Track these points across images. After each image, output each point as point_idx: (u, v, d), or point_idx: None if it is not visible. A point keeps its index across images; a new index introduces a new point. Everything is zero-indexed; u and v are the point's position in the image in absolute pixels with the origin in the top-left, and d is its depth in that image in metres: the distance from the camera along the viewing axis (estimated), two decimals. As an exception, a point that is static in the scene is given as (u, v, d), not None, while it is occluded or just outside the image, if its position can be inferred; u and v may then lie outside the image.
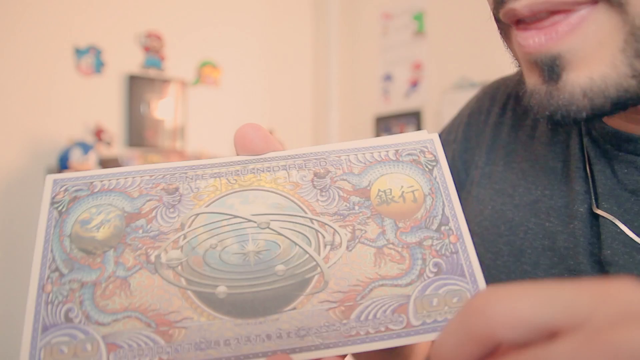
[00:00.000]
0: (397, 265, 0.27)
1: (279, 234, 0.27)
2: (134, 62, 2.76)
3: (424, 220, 0.28)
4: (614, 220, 0.36)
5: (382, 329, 0.25)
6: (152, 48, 2.80)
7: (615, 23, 0.29)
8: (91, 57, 2.69)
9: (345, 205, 0.28)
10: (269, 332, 0.25)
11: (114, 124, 2.76)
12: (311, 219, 0.28)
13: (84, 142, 2.56)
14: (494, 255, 0.43)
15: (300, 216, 0.28)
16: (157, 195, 0.28)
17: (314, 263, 0.27)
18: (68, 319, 0.26)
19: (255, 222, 0.27)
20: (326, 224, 0.28)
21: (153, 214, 0.28)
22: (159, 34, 2.86)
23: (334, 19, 3.37)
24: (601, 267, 0.36)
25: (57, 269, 0.27)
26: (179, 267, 0.27)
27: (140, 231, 0.28)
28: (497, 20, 0.35)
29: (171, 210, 0.28)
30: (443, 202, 0.28)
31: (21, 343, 0.26)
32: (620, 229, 0.36)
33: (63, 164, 2.49)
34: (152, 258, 0.27)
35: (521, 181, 0.44)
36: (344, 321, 0.25)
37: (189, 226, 0.27)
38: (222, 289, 0.26)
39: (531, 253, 0.40)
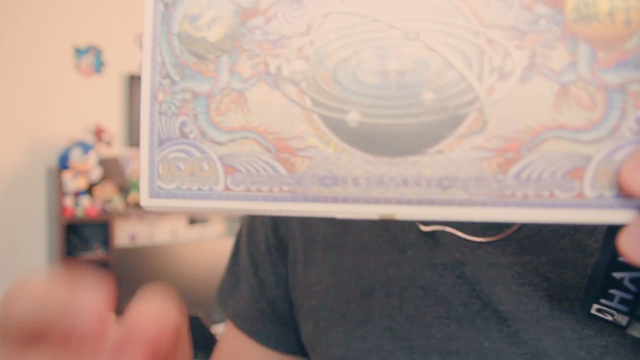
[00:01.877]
0: (584, 112, 0.19)
1: (432, 49, 0.20)
2: (134, 62, 2.69)
3: (635, 54, 0.19)
4: (445, 229, 0.38)
5: (546, 194, 0.19)
6: (152, 48, 2.75)
7: None
8: (91, 57, 2.63)
9: (528, 17, 0.20)
10: (405, 176, 0.21)
11: (114, 123, 2.70)
12: (476, 32, 0.20)
13: (84, 142, 2.51)
14: (346, 303, 0.41)
15: (462, 27, 0.20)
16: None
17: (473, 95, 0.20)
18: (183, 134, 0.24)
19: (402, 30, 0.21)
20: (496, 41, 0.20)
21: (273, 10, 0.22)
22: (159, 34, 2.82)
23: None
24: (460, 276, 0.37)
25: (168, 75, 0.24)
26: (304, 83, 0.22)
27: (258, 33, 0.23)
28: None
29: (295, 6, 0.22)
30: None
31: (139, 156, 0.25)
32: (455, 235, 0.37)
33: (63, 164, 2.43)
34: (273, 69, 0.22)
35: (357, 231, 0.43)
36: (499, 176, 0.20)
37: (317, 30, 0.22)
38: (353, 116, 0.21)
39: (381, 288, 0.39)
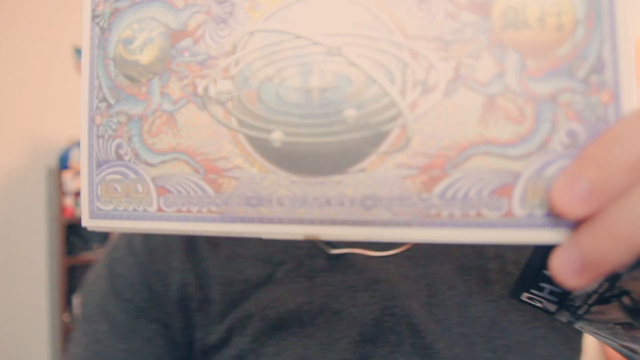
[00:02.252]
0: (512, 126, 0.18)
1: (354, 64, 0.20)
2: (133, 62, 2.71)
3: (567, 61, 0.18)
4: (353, 251, 0.38)
5: (473, 213, 0.19)
6: (152, 48, 2.76)
7: None
8: (91, 57, 2.65)
9: (453, 26, 0.19)
10: (329, 196, 0.20)
11: (114, 124, 2.72)
12: (399, 45, 0.20)
13: (84, 142, 2.51)
14: (252, 337, 0.39)
15: (385, 40, 0.20)
16: (204, 6, 0.22)
17: (396, 110, 0.20)
18: (119, 156, 0.24)
19: (324, 46, 0.21)
20: (420, 53, 0.19)
21: (200, 31, 0.23)
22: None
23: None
24: (373, 295, 0.37)
25: (104, 99, 0.25)
26: (230, 103, 0.22)
27: (187, 54, 0.23)
28: None
29: (221, 26, 0.22)
30: (602, 37, 0.18)
31: (80, 178, 0.26)
32: (365, 255, 0.38)
33: (63, 164, 2.44)
34: (200, 90, 0.23)
35: (257, 262, 0.41)
36: (424, 195, 0.19)
37: (242, 48, 0.22)
38: (277, 135, 0.21)
39: (291, 318, 0.38)
